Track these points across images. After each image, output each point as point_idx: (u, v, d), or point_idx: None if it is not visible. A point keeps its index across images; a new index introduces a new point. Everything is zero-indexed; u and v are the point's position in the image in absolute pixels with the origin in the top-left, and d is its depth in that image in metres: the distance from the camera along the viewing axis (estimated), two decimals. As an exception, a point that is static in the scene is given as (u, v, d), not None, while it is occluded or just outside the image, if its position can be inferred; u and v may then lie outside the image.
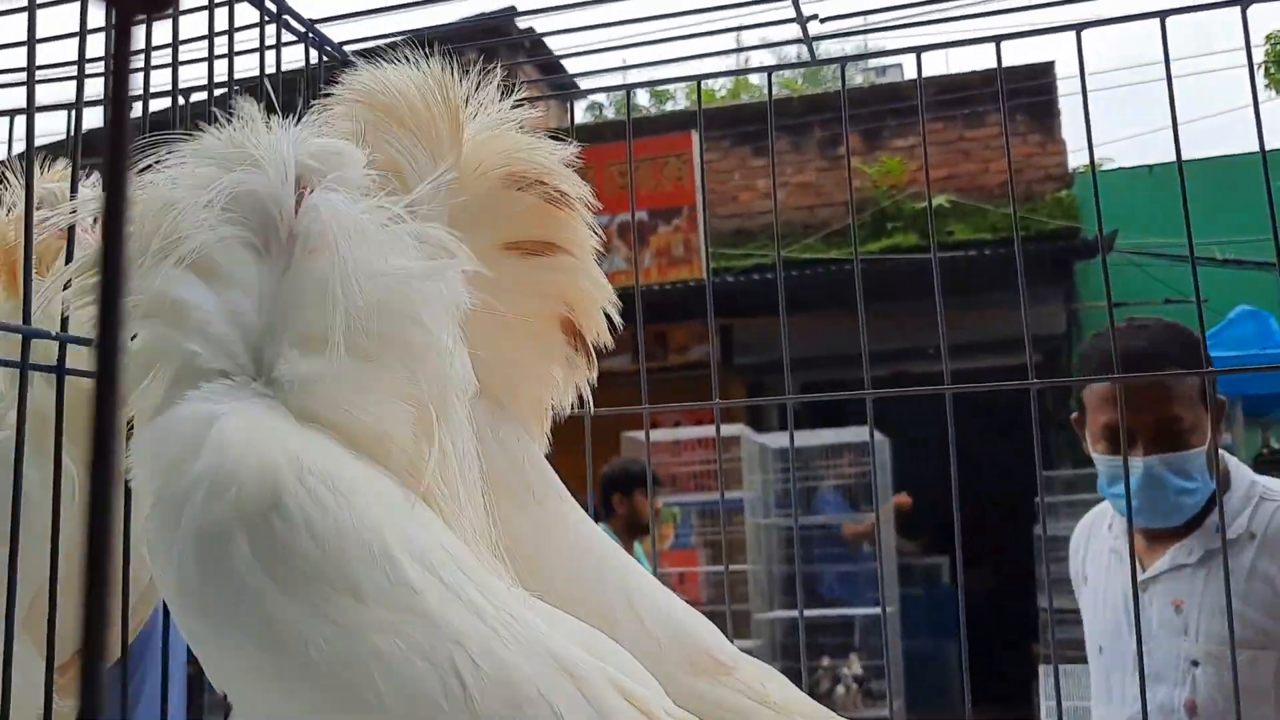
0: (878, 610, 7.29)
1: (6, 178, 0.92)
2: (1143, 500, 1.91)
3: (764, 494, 7.61)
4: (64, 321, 0.71)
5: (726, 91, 12.80)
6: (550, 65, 8.06)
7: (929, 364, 7.35)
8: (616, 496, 5.08)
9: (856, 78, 10.75)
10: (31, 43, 0.66)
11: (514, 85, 0.89)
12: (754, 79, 10.82)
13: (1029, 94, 8.84)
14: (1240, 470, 2.02)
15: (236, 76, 0.85)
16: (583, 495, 1.11)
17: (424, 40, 1.17)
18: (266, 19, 0.98)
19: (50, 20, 0.84)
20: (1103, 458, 1.97)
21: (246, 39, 0.95)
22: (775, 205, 1.21)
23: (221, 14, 0.91)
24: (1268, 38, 7.53)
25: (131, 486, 0.58)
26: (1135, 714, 1.92)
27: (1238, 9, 1.05)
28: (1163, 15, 1.06)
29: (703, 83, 1.77)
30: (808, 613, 7.32)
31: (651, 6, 1.10)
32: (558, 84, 8.46)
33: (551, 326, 0.89)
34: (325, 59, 1.07)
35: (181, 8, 0.83)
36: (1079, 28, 1.11)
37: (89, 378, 0.71)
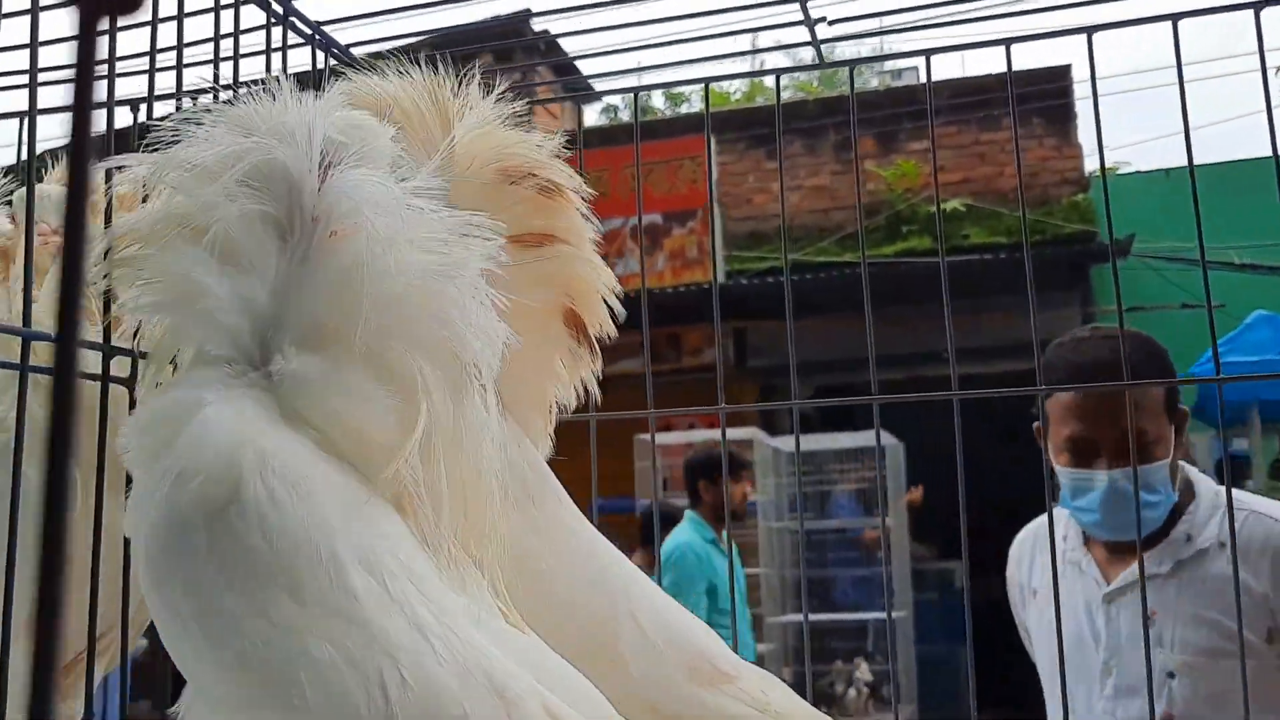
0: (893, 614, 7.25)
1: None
2: (1105, 514, 1.90)
3: (777, 497, 7.60)
4: (60, 326, 0.71)
5: (741, 94, 12.78)
6: (565, 67, 8.08)
7: (944, 367, 7.32)
8: (703, 483, 4.99)
9: (872, 80, 10.73)
10: (34, 45, 0.66)
11: (510, 84, 0.88)
12: (767, 81, 10.79)
13: (1045, 97, 8.81)
14: (1203, 481, 2.01)
15: (242, 79, 0.85)
16: (591, 497, 1.11)
17: (435, 43, 1.17)
18: (273, 21, 0.98)
19: (51, 22, 0.84)
20: (1066, 470, 1.95)
21: (252, 43, 0.95)
22: (783, 208, 1.20)
23: (226, 16, 0.90)
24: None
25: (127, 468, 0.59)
26: None
27: (1251, 12, 1.03)
28: (1175, 18, 1.05)
29: (718, 86, 1.77)
30: (821, 617, 7.30)
31: (661, 9, 1.10)
32: (572, 86, 8.47)
33: (553, 319, 0.89)
34: (332, 61, 1.07)
35: (187, 10, 0.83)
36: (1090, 30, 1.10)
37: (90, 379, 0.71)
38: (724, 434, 1.20)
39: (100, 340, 0.72)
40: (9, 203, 0.94)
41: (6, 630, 0.63)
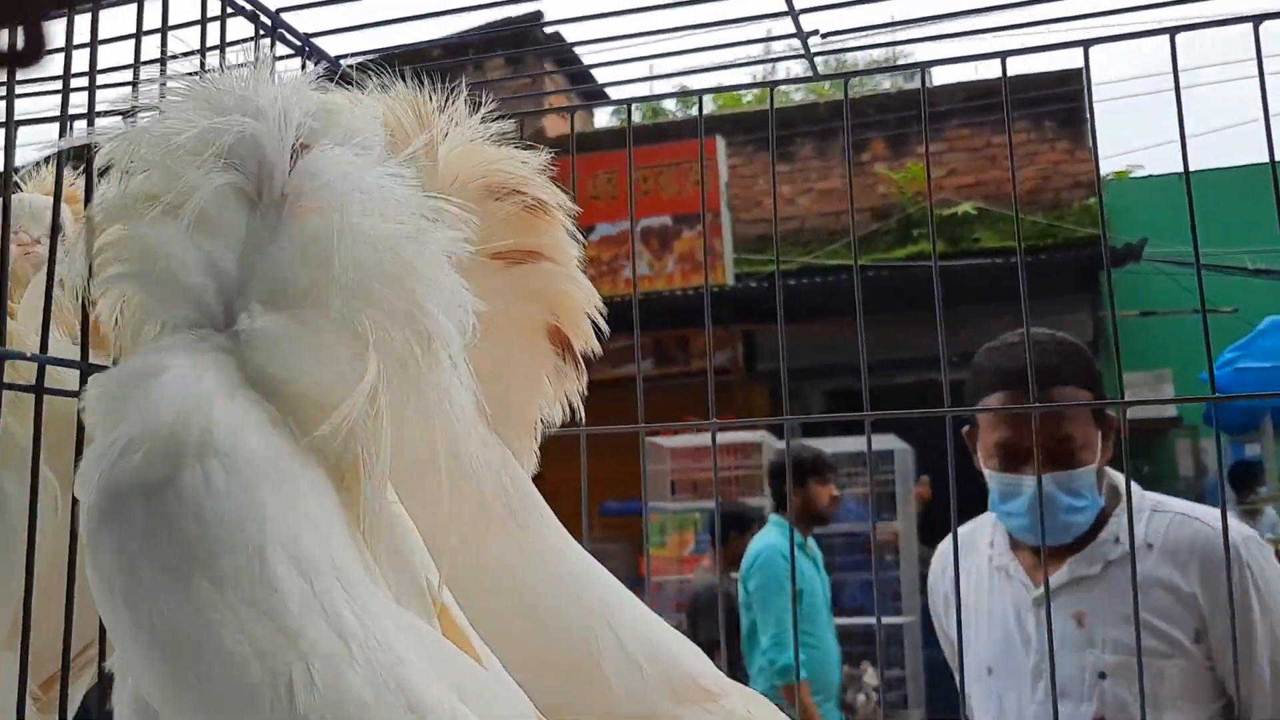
0: (899, 619, 7.25)
1: None
2: (1032, 519, 1.92)
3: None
4: (43, 343, 0.70)
5: (754, 96, 12.77)
6: (575, 69, 8.07)
7: (954, 372, 7.30)
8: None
9: (884, 83, 10.70)
10: (12, 55, 0.64)
11: (515, 90, 0.88)
12: (788, 72, 10.77)
13: (1057, 101, 8.79)
14: (1131, 486, 2.02)
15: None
16: (585, 504, 1.09)
17: (424, 53, 1.15)
18: (261, 33, 0.97)
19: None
20: (995, 475, 1.97)
21: (240, 55, 0.94)
22: (775, 218, 1.19)
23: (213, 27, 0.90)
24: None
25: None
26: None
27: (1228, 32, 1.03)
28: (1172, 32, 1.05)
29: (730, 88, 1.75)
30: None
31: (653, 20, 1.09)
32: (569, 92, 8.47)
33: (538, 336, 0.89)
34: (321, 72, 1.06)
35: (174, 21, 0.82)
36: (1087, 44, 1.09)
37: (70, 397, 0.70)
38: (714, 453, 1.18)
39: (78, 357, 0.70)
40: None
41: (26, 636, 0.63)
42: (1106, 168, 9.53)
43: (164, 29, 0.81)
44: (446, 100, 0.85)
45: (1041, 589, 1.98)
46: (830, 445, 7.74)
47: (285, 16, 1.00)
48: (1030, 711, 1.95)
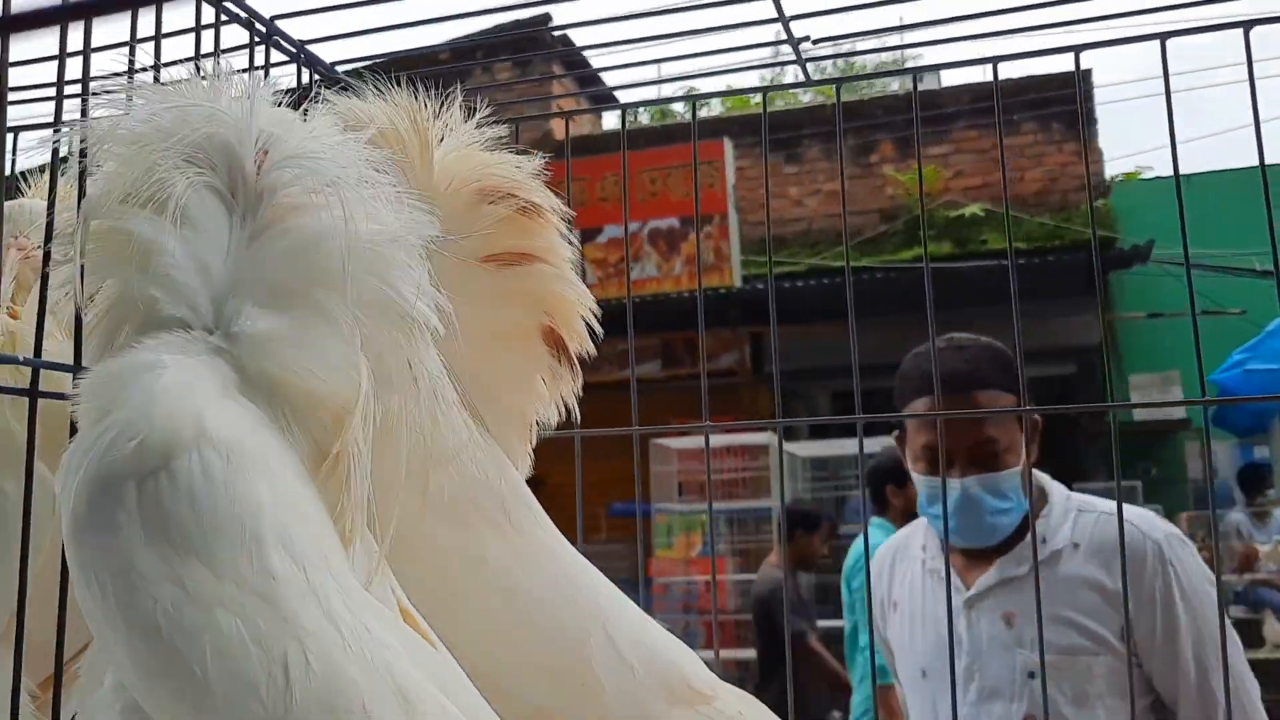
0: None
1: None
2: (959, 521, 1.95)
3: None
4: (37, 346, 0.70)
5: (761, 98, 12.71)
6: (582, 70, 8.07)
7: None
8: (890, 488, 4.73)
9: (893, 84, 10.69)
10: (4, 63, 0.65)
11: (483, 106, 0.88)
12: (793, 76, 10.76)
13: (1064, 102, 8.77)
14: (1055, 487, 2.06)
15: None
16: (579, 506, 1.10)
17: (416, 60, 1.16)
18: (256, 40, 0.98)
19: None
20: (921, 477, 2.00)
21: (235, 62, 0.95)
22: (768, 222, 1.18)
23: (208, 35, 0.90)
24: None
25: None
26: None
27: (1240, 31, 1.03)
28: (1162, 38, 1.05)
29: (723, 93, 1.76)
30: (834, 623, 7.26)
31: (642, 28, 1.09)
32: (591, 94, 8.47)
33: (533, 337, 0.89)
34: (318, 79, 1.07)
35: (169, 29, 0.83)
36: (1078, 49, 1.09)
37: (64, 400, 0.70)
38: (708, 456, 1.18)
39: (72, 361, 0.71)
40: None
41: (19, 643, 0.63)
42: (1115, 169, 9.51)
43: (157, 36, 0.81)
44: (442, 106, 0.86)
45: (972, 592, 2.01)
46: (836, 447, 7.76)
47: (280, 24, 1.00)
48: (964, 712, 1.97)
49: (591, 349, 0.90)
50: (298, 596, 0.54)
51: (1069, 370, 8.84)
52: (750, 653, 7.12)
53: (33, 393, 0.70)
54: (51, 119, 0.74)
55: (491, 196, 0.86)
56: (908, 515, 4.78)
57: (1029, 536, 1.94)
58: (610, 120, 12.59)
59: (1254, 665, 1.95)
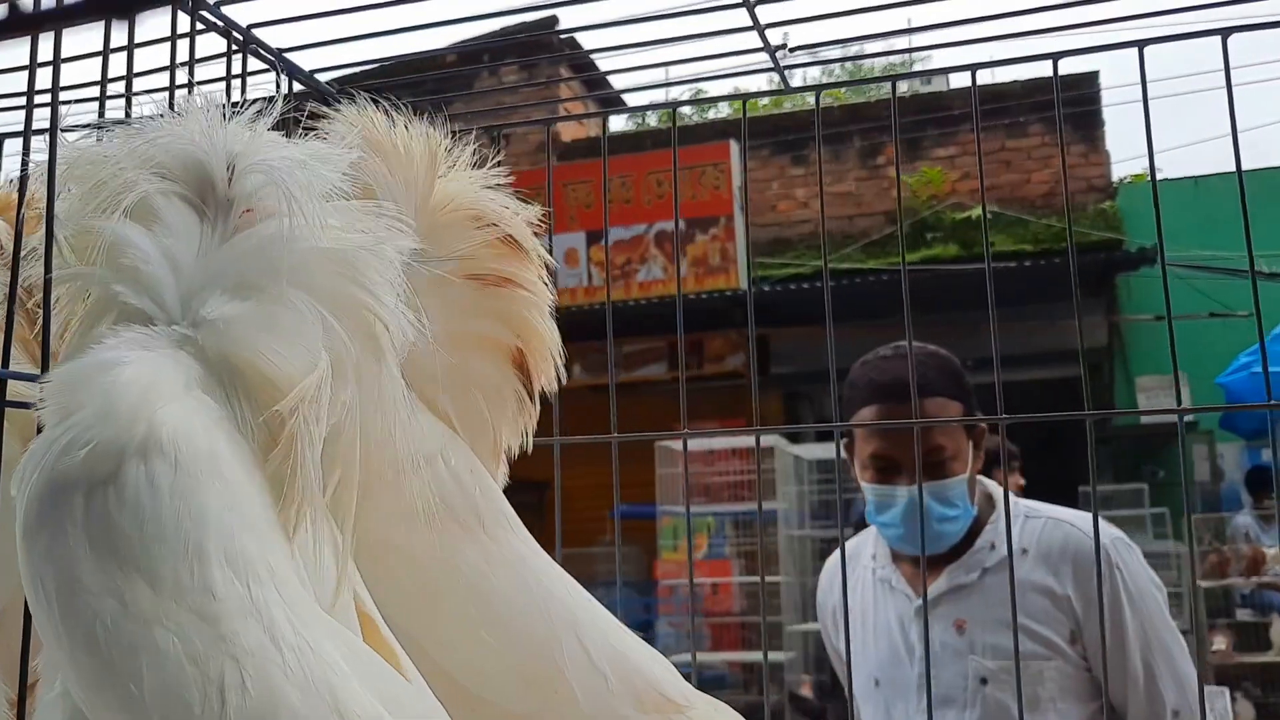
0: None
1: None
2: (907, 529, 1.95)
3: (799, 505, 7.57)
4: (5, 357, 0.70)
5: (769, 100, 12.76)
6: (590, 73, 8.08)
7: (970, 376, 7.29)
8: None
9: (901, 85, 10.67)
10: None
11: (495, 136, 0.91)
12: (796, 83, 10.75)
13: (1071, 104, 8.75)
14: (1001, 493, 2.07)
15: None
16: (558, 513, 1.10)
17: (397, 69, 1.16)
18: (234, 49, 0.97)
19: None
20: (870, 486, 2.00)
21: (210, 71, 0.95)
22: (747, 227, 1.17)
23: (182, 43, 0.89)
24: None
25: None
26: None
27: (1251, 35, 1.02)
28: (1140, 45, 1.05)
29: (702, 101, 1.75)
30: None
31: (646, 32, 1.09)
32: (601, 98, 8.47)
33: (504, 353, 0.90)
34: (295, 88, 1.07)
35: (144, 39, 0.82)
36: (1056, 56, 1.09)
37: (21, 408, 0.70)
38: (685, 460, 1.18)
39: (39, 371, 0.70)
40: None
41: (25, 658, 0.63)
42: (1123, 171, 9.48)
43: (130, 45, 0.81)
44: (441, 127, 0.88)
45: (921, 599, 2.00)
46: (814, 453, 7.73)
47: (258, 32, 1.00)
48: None
49: (553, 384, 0.91)
50: (238, 615, 0.54)
51: (1075, 373, 8.82)
52: (756, 656, 7.12)
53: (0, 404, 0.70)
54: (21, 129, 0.74)
55: (481, 223, 0.88)
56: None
57: (977, 543, 2.00)
58: (616, 123, 12.59)
59: (1262, 668, 1.97)
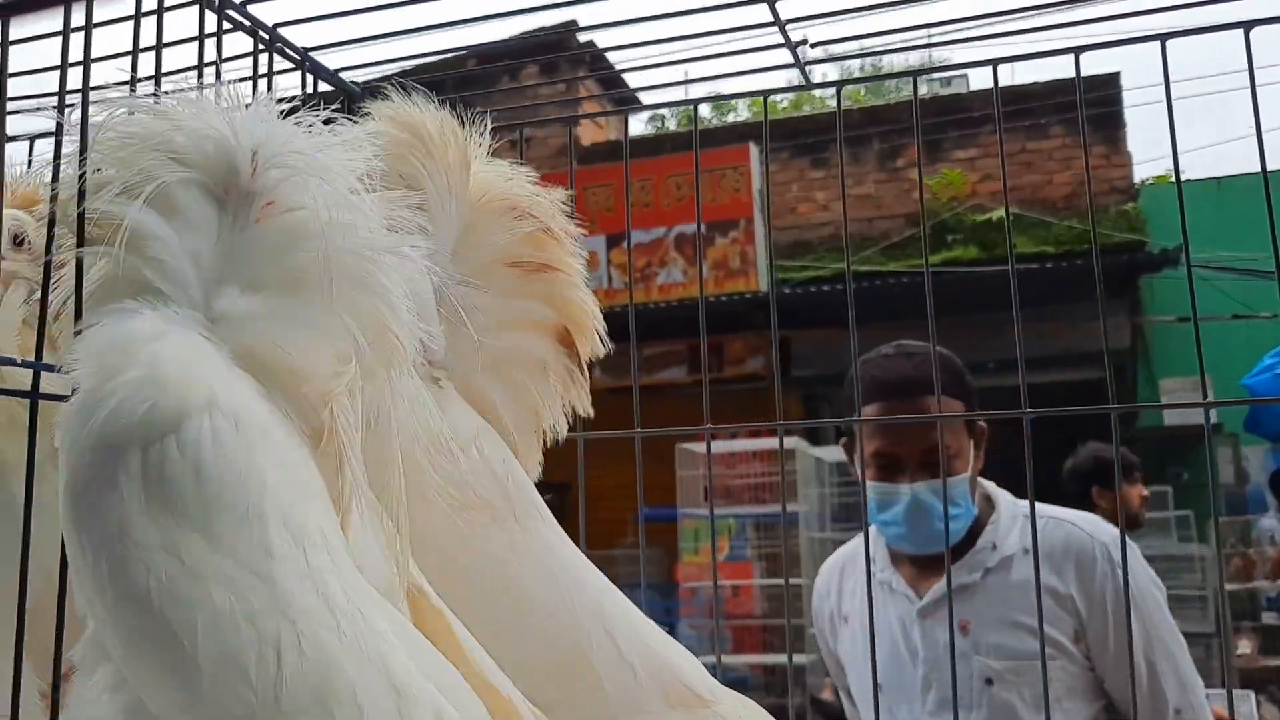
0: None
1: None
2: (909, 527, 1.95)
3: (820, 507, 7.55)
4: (39, 350, 0.71)
5: (789, 102, 12.74)
6: (610, 78, 8.09)
7: (992, 378, 7.26)
8: (1096, 489, 4.38)
9: (921, 87, 10.65)
10: (4, 70, 0.65)
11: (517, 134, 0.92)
12: (816, 80, 10.74)
13: (1093, 105, 8.71)
14: (1000, 493, 2.06)
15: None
16: (582, 509, 1.11)
17: (424, 66, 1.17)
18: (260, 48, 0.98)
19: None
20: (871, 484, 1.99)
21: (236, 68, 0.96)
22: (769, 229, 1.17)
23: (210, 42, 0.90)
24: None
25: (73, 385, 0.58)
26: None
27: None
28: (1163, 38, 1.05)
29: (724, 97, 1.76)
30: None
31: (664, 29, 1.09)
32: (620, 98, 8.48)
33: (549, 331, 0.93)
34: (320, 87, 1.08)
35: (173, 38, 0.83)
36: (1078, 50, 1.08)
37: (61, 401, 0.71)
38: (709, 460, 1.20)
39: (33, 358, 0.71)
40: None
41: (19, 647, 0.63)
42: (1145, 172, 9.42)
43: (159, 45, 0.81)
44: (471, 121, 0.91)
45: (925, 600, 2.00)
46: (836, 454, 7.71)
47: (284, 31, 1.01)
48: None
49: (601, 353, 0.94)
50: (295, 576, 0.53)
51: (1099, 374, 8.77)
52: (781, 658, 7.11)
53: (34, 395, 0.71)
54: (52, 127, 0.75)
55: (517, 213, 0.91)
56: (1116, 516, 4.36)
57: (979, 543, 1.99)
58: (636, 125, 12.60)
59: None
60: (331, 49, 1.05)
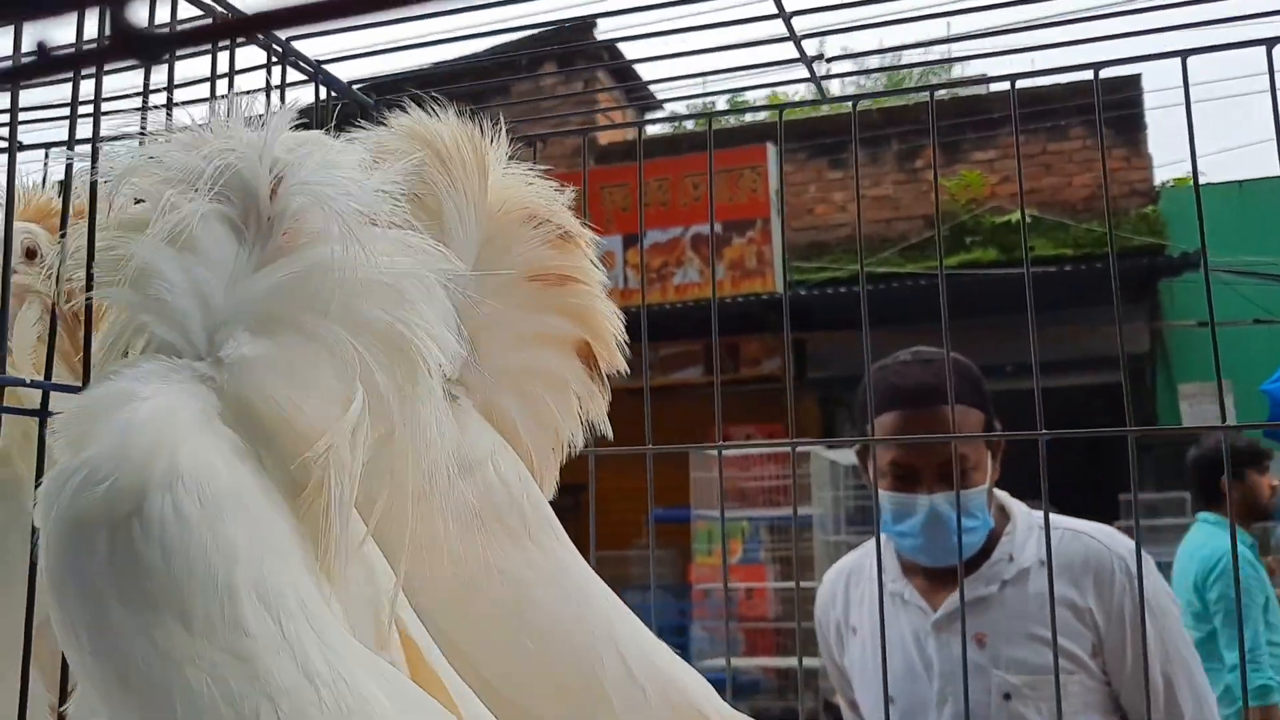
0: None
1: None
2: (924, 539, 1.92)
3: (834, 510, 7.53)
4: (48, 369, 0.71)
5: (800, 98, 12.69)
6: (625, 74, 8.09)
7: (1009, 382, 7.22)
8: (1221, 480, 4.20)
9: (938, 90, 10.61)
10: (15, 84, 0.65)
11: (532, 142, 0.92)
12: (833, 88, 10.69)
13: (1113, 108, 8.67)
14: (1016, 505, 2.03)
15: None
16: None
17: (440, 78, 1.16)
18: (273, 60, 0.98)
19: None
20: (887, 494, 1.95)
21: (250, 81, 0.96)
22: (783, 233, 1.17)
23: (223, 55, 0.90)
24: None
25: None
26: None
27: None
28: (1184, 55, 1.04)
29: (780, 94, 1.75)
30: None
31: (646, 48, 1.09)
32: (636, 99, 8.47)
33: (569, 347, 0.92)
34: (335, 99, 1.07)
35: (182, 52, 0.83)
36: (1097, 66, 1.08)
37: (30, 415, 0.70)
38: (721, 478, 1.19)
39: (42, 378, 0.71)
40: None
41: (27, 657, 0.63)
42: (1167, 174, 9.36)
43: (171, 58, 0.81)
44: (486, 125, 0.89)
45: (940, 613, 1.97)
46: (850, 458, 7.69)
47: (297, 44, 1.00)
48: None
49: (624, 367, 0.93)
50: (271, 652, 0.53)
51: (1118, 379, 8.73)
52: (791, 661, 7.09)
53: (43, 413, 0.70)
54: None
55: (536, 221, 0.90)
56: (1246, 508, 4.24)
57: (995, 555, 1.95)
58: (652, 126, 12.58)
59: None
60: (344, 60, 1.05)
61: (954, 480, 1.24)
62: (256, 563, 0.55)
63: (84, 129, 0.71)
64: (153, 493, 0.54)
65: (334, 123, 0.69)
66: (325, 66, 1.04)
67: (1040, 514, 1.99)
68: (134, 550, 0.53)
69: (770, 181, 8.94)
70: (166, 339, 0.61)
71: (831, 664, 2.22)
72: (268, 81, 0.96)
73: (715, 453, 1.33)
